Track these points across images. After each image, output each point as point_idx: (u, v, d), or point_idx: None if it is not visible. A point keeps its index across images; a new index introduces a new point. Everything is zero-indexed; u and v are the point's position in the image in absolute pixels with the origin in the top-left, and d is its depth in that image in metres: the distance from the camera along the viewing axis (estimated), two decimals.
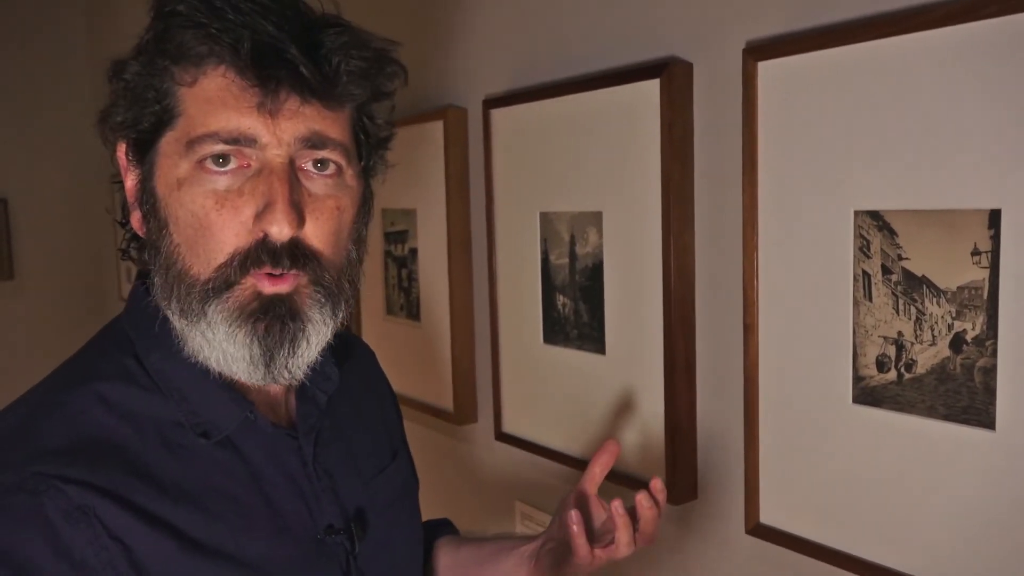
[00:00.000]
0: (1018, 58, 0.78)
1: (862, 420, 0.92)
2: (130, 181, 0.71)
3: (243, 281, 0.68)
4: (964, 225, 0.82)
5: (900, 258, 0.88)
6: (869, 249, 0.90)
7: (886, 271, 0.89)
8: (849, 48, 0.90)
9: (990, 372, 0.81)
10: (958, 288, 0.83)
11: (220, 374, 0.71)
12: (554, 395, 1.35)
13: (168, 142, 0.68)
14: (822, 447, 0.97)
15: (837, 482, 0.95)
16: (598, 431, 1.26)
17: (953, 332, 0.84)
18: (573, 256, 1.29)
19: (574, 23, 1.28)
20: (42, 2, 3.49)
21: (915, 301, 0.87)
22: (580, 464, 1.30)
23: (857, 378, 0.92)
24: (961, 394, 0.84)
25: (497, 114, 1.41)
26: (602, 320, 1.24)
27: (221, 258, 0.67)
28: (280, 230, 0.67)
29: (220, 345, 0.68)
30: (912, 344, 0.87)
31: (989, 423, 0.82)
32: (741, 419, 1.06)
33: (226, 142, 0.66)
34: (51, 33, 3.54)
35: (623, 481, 1.22)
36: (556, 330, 1.33)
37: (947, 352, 0.85)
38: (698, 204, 1.12)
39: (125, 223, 0.74)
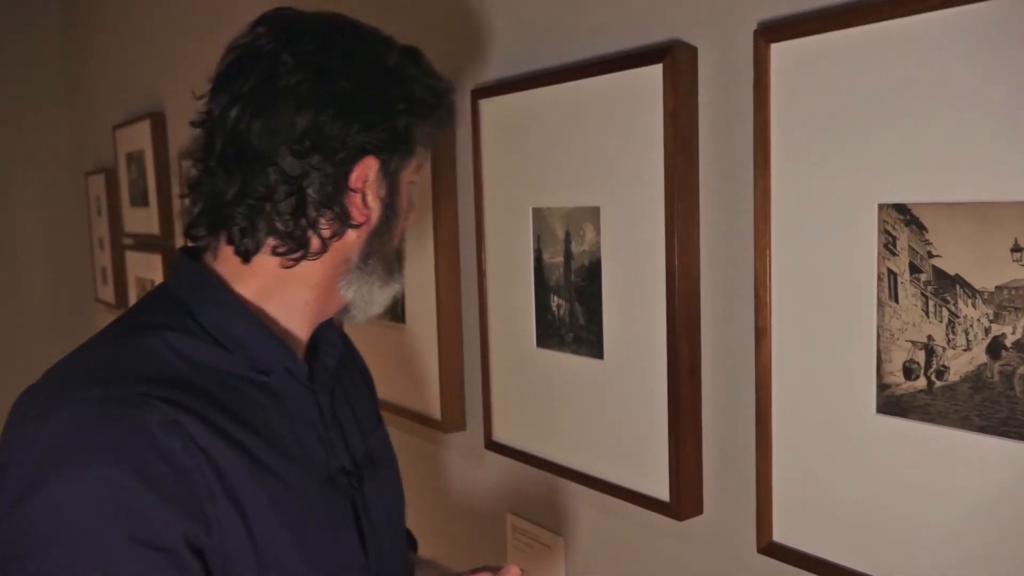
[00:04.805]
0: None
1: (887, 431, 0.85)
2: (368, 183, 0.88)
3: None
4: (1002, 219, 0.75)
5: (930, 255, 0.80)
6: (895, 246, 0.83)
7: (914, 270, 0.82)
8: (872, 27, 0.83)
9: None
10: (996, 288, 0.76)
11: (268, 326, 0.88)
12: (548, 402, 1.27)
13: (407, 171, 0.92)
14: (842, 460, 0.89)
15: (859, 498, 0.88)
16: (595, 440, 1.19)
17: (990, 336, 0.77)
18: (568, 254, 1.21)
19: (569, 6, 1.20)
20: (16, 2, 3.40)
21: (947, 302, 0.80)
22: (575, 475, 1.22)
23: (882, 386, 0.85)
24: (1000, 404, 0.77)
25: (486, 104, 1.33)
26: (600, 322, 1.17)
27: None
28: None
29: (392, 292, 0.95)
30: (944, 349, 0.80)
31: None
32: (752, 429, 0.99)
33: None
34: (25, 34, 3.44)
35: (626, 496, 1.14)
36: (550, 333, 1.25)
37: (984, 358, 0.77)
38: (703, 198, 1.05)
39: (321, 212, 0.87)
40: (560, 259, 1.22)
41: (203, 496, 0.77)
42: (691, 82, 1.04)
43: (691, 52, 1.04)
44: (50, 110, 3.52)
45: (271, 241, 0.86)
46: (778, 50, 0.91)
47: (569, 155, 1.19)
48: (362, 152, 0.85)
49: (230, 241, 0.87)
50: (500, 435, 1.38)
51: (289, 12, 0.89)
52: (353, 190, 0.87)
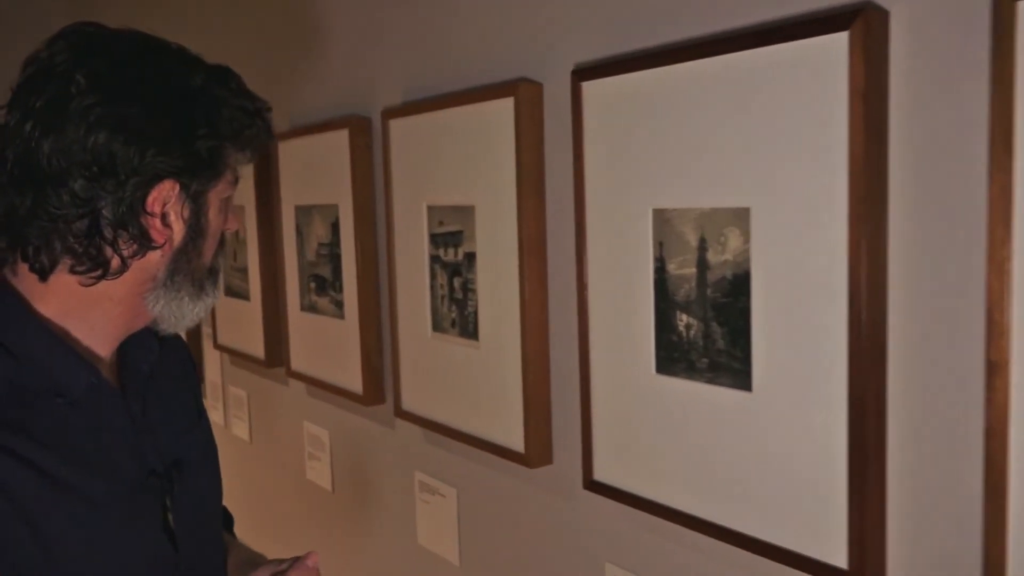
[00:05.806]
0: None
1: None
2: (169, 205, 0.88)
3: None
4: None
5: None
6: None
7: None
8: None
9: None
10: None
11: (69, 344, 0.89)
12: (672, 438, 1.07)
13: (217, 189, 0.93)
14: None
15: None
16: (738, 487, 0.99)
17: None
18: (703, 265, 1.01)
19: None
20: (25, 5, 3.25)
21: None
22: (708, 527, 1.02)
23: None
24: None
25: (590, 87, 1.13)
26: (747, 347, 0.97)
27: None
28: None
29: (205, 307, 0.96)
30: None
31: None
32: (978, 486, 0.79)
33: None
34: (26, 40, 3.29)
35: (782, 557, 0.94)
36: (675, 358, 1.05)
37: None
38: (893, 197, 0.85)
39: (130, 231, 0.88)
40: (691, 270, 1.02)
41: None
42: (883, 54, 0.84)
43: (882, 16, 0.84)
44: None
45: (68, 260, 0.85)
46: None
47: (706, 147, 0.99)
48: (157, 177, 0.85)
49: (25, 258, 0.85)
50: (602, 474, 1.18)
51: (90, 29, 0.87)
52: (150, 213, 0.86)
